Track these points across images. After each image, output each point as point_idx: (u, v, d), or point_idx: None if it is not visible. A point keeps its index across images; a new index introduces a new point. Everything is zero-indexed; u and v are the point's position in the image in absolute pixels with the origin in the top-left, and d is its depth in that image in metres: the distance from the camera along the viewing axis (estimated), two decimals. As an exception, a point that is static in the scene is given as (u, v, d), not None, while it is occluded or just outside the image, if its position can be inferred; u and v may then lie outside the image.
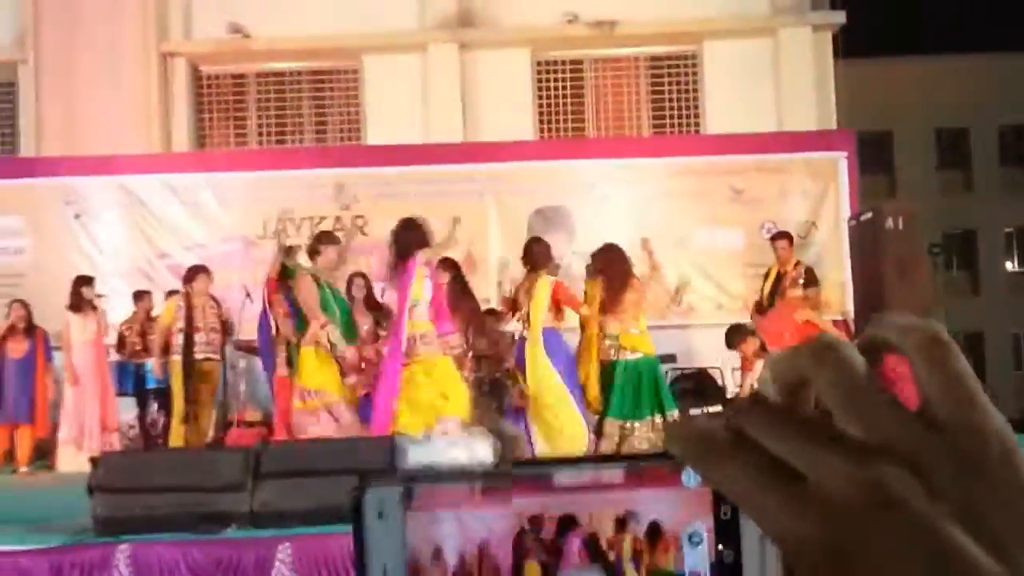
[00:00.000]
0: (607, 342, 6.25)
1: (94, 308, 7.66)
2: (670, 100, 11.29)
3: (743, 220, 9.48)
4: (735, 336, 7.24)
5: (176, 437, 7.02)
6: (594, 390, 6.16)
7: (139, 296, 8.40)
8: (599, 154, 9.95)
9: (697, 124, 11.16)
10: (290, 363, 6.18)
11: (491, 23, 11.01)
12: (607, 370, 6.19)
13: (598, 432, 6.09)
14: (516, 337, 6.32)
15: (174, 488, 4.45)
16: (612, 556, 0.32)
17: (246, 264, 8.78)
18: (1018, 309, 22.65)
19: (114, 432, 7.69)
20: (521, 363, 6.16)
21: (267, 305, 6.46)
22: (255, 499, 4.50)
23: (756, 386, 0.30)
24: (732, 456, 0.28)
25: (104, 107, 10.26)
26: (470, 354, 6.32)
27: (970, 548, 0.25)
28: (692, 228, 9.33)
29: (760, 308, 7.39)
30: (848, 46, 11.32)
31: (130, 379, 8.15)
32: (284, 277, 6.34)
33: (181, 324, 7.05)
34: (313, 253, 6.13)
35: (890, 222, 7.98)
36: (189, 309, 7.07)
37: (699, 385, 7.78)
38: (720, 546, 0.32)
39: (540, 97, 11.25)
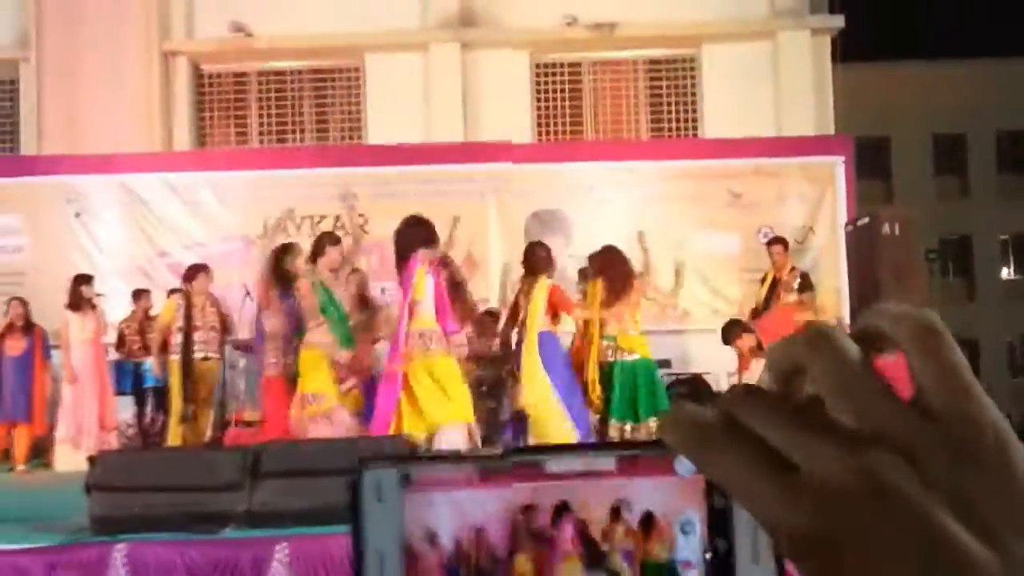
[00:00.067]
0: (604, 342, 6.27)
1: (93, 307, 7.64)
2: (668, 103, 11.30)
3: (740, 224, 9.48)
4: (732, 331, 7.23)
5: (174, 436, 7.01)
6: (596, 390, 6.18)
7: (138, 295, 8.39)
8: (596, 157, 9.94)
9: (695, 127, 11.17)
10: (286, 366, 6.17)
11: (492, 23, 11.02)
12: (605, 371, 6.21)
13: (601, 434, 6.09)
14: (515, 339, 6.32)
15: (172, 487, 4.45)
16: (605, 545, 0.32)
17: (246, 263, 8.77)
18: (1014, 316, 22.67)
19: (112, 431, 7.68)
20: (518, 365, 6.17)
21: (260, 305, 6.44)
22: (253, 499, 4.50)
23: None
24: (725, 445, 0.28)
25: (106, 105, 10.25)
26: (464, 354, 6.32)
27: (962, 536, 0.25)
28: (689, 232, 9.33)
29: (756, 313, 7.41)
30: (846, 51, 11.34)
31: (128, 378, 8.14)
32: (280, 277, 6.33)
33: (180, 323, 7.04)
34: (316, 253, 6.10)
35: (887, 227, 8.00)
36: (189, 308, 7.06)
37: (694, 390, 7.78)
38: (713, 535, 0.32)
39: (539, 99, 11.26)
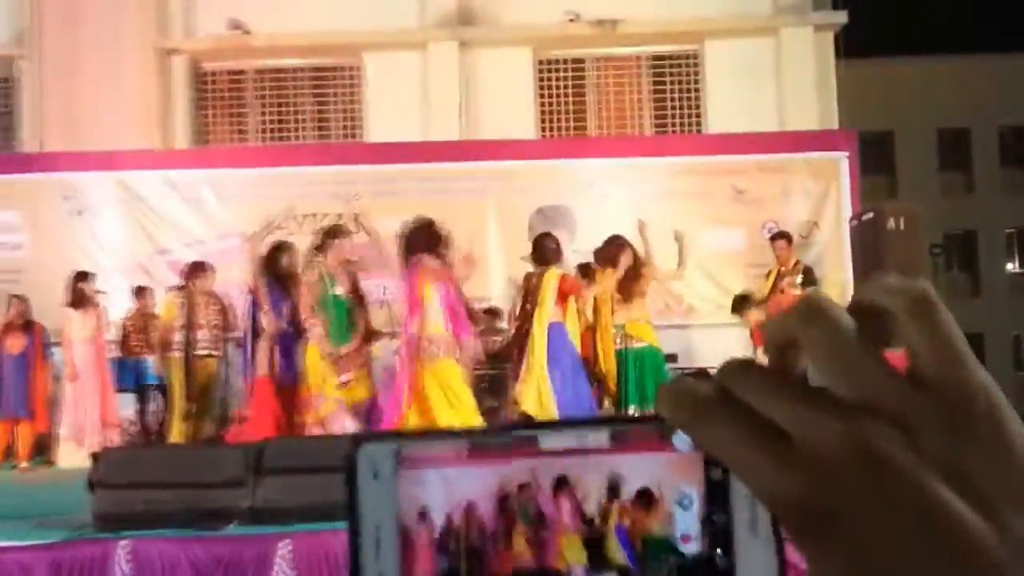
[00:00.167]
0: (613, 331, 6.31)
1: (94, 304, 7.66)
2: (671, 99, 11.29)
3: (744, 220, 9.48)
4: (743, 305, 7.25)
5: (176, 433, 7.02)
6: (612, 378, 6.22)
7: (139, 292, 8.40)
8: (600, 153, 9.94)
9: (698, 124, 11.16)
10: (280, 366, 6.14)
11: (492, 21, 11.02)
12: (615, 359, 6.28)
13: None
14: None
15: (175, 484, 4.45)
16: (601, 522, 0.32)
17: (246, 260, 8.78)
18: (1018, 310, 22.64)
19: (114, 428, 7.69)
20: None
21: (252, 304, 6.42)
22: (256, 496, 4.50)
23: None
24: (720, 417, 0.28)
25: (105, 103, 10.27)
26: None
27: (956, 505, 0.25)
28: (693, 228, 9.32)
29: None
30: (849, 46, 11.32)
31: (130, 375, 8.16)
32: (274, 276, 6.31)
33: (182, 320, 7.05)
34: (322, 247, 6.06)
35: (891, 222, 7.99)
36: (190, 305, 7.07)
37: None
38: (711, 509, 0.32)
39: (541, 96, 11.25)
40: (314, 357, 5.85)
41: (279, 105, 11.35)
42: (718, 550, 0.32)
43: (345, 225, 6.88)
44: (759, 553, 0.31)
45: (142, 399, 8.14)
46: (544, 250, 6.19)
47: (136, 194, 9.52)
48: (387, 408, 5.55)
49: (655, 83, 11.31)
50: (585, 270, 6.80)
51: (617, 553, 0.31)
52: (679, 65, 11.27)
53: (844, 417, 0.27)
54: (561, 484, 0.32)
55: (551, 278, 6.02)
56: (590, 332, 6.46)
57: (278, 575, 3.99)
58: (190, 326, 7.02)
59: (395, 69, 10.87)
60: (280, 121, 11.37)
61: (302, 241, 7.88)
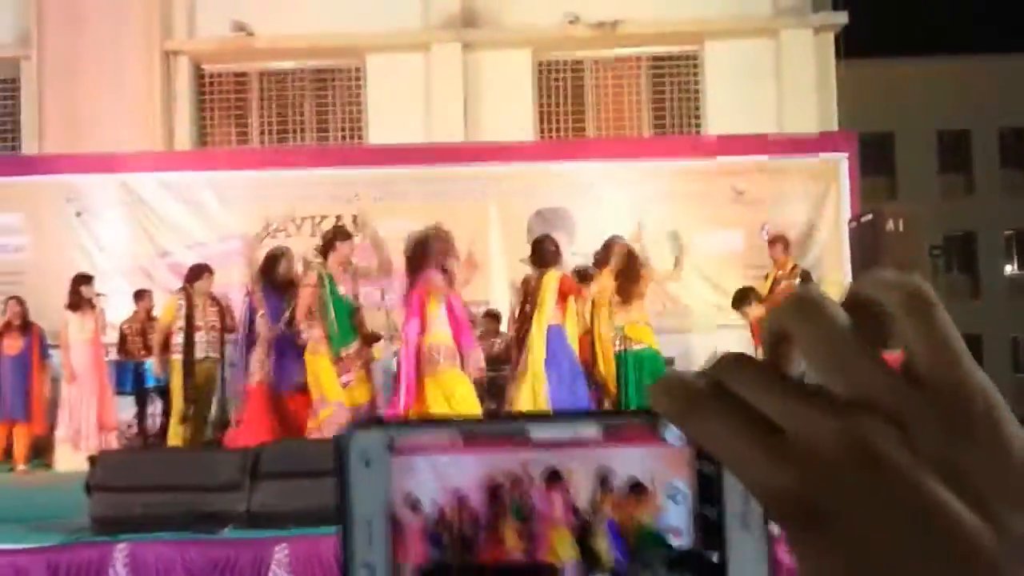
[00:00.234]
0: (612, 333, 6.31)
1: (93, 307, 7.65)
2: (671, 101, 11.29)
3: (744, 221, 9.47)
4: (744, 300, 7.22)
5: (175, 436, 7.01)
6: (613, 380, 6.22)
7: (140, 295, 8.40)
8: (599, 155, 9.94)
9: (698, 125, 11.16)
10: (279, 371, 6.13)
11: (494, 23, 11.02)
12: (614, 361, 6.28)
13: None
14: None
15: (172, 488, 4.44)
16: (593, 515, 0.31)
17: (244, 266, 8.78)
18: (1018, 312, 22.65)
19: (111, 431, 7.69)
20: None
21: (249, 309, 6.41)
22: (252, 499, 4.49)
23: None
24: (714, 411, 0.27)
25: (107, 105, 10.28)
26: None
27: (953, 504, 0.25)
28: (692, 229, 9.33)
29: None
30: (849, 47, 11.32)
31: (130, 378, 8.15)
32: (270, 282, 6.29)
33: (182, 323, 7.04)
34: (326, 249, 6.04)
35: (891, 224, 7.99)
36: (190, 308, 7.06)
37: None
38: (702, 503, 0.32)
39: (541, 97, 11.26)
40: (314, 360, 5.83)
41: (281, 107, 11.36)
42: (709, 545, 0.31)
43: (346, 228, 6.87)
44: (750, 548, 0.31)
45: (141, 402, 8.13)
46: (543, 252, 6.18)
47: (137, 196, 9.52)
48: (386, 415, 5.54)
49: (655, 84, 11.31)
50: (583, 274, 6.79)
51: (606, 549, 0.31)
52: (679, 66, 11.28)
53: (840, 414, 0.26)
54: (553, 477, 0.32)
55: (551, 279, 6.02)
56: (588, 335, 6.45)
57: (275, 578, 3.97)
58: (190, 328, 7.01)
59: (397, 71, 10.88)
60: (282, 123, 11.38)
61: (301, 243, 7.86)
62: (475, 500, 0.32)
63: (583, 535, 0.32)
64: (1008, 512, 0.25)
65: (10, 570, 4.06)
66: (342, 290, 5.96)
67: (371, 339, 6.35)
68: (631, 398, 6.22)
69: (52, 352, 7.84)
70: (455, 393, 5.42)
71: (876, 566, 0.25)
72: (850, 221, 9.01)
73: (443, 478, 0.32)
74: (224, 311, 7.25)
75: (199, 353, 7.06)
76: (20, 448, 7.57)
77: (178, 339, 7.05)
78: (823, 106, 10.81)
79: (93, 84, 10.33)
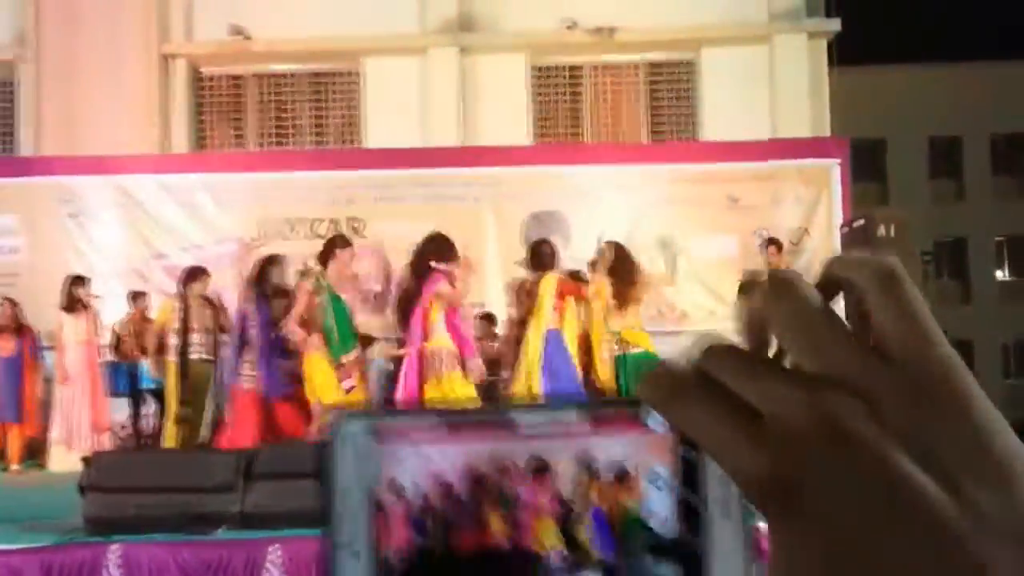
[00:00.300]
0: (609, 337, 6.31)
1: (87, 308, 7.64)
2: (668, 107, 11.33)
3: (737, 226, 9.50)
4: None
5: (170, 437, 6.99)
6: (611, 384, 6.20)
7: (135, 297, 8.38)
8: (595, 160, 9.96)
9: (693, 131, 11.20)
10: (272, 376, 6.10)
11: (491, 28, 11.04)
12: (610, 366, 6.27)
13: None
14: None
15: (165, 488, 4.43)
16: (577, 503, 0.32)
17: (243, 266, 8.77)
18: (1008, 318, 22.73)
19: (105, 432, 7.67)
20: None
21: (242, 316, 6.39)
22: (246, 500, 4.48)
23: None
24: (695, 398, 0.28)
25: (104, 107, 10.25)
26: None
27: (919, 477, 0.25)
28: (687, 235, 9.36)
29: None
30: (843, 54, 11.38)
31: (124, 379, 8.13)
32: (263, 289, 6.28)
33: (177, 324, 7.03)
34: (326, 256, 6.03)
35: (882, 229, 8.04)
36: (186, 309, 7.05)
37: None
38: (684, 488, 0.32)
39: (538, 102, 11.27)
40: (312, 366, 5.82)
41: (278, 110, 11.34)
42: (691, 530, 0.32)
43: (345, 235, 6.85)
44: (731, 533, 0.32)
45: (135, 403, 8.11)
46: (541, 256, 6.19)
47: (133, 198, 9.50)
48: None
49: (651, 90, 11.34)
50: (577, 277, 6.80)
51: (590, 538, 0.31)
52: (675, 72, 11.32)
53: (810, 391, 0.27)
54: (538, 466, 0.32)
55: (549, 283, 6.02)
56: (586, 338, 6.45)
57: (269, 579, 3.98)
58: (185, 330, 7.00)
59: (394, 75, 10.87)
60: (279, 126, 11.36)
61: (297, 246, 7.86)
62: (459, 487, 0.32)
63: (567, 523, 0.33)
64: (973, 485, 0.25)
65: (4, 570, 4.05)
66: (341, 297, 5.96)
67: (366, 342, 6.35)
68: None
69: (46, 353, 7.82)
70: (455, 395, 5.42)
71: (843, 540, 0.25)
72: (842, 226, 9.06)
73: (428, 465, 0.32)
74: (218, 312, 7.24)
75: (194, 355, 7.05)
76: (13, 449, 7.55)
77: (173, 341, 7.04)
78: (816, 112, 10.85)
79: (90, 86, 10.30)
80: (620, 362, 6.29)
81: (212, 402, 7.34)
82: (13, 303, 7.75)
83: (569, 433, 0.33)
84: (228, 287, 7.90)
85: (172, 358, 7.02)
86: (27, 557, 4.06)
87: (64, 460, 7.02)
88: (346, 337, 5.88)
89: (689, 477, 0.32)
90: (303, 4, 10.83)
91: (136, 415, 8.08)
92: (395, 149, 9.95)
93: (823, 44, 11.10)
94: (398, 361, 6.00)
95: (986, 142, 23.46)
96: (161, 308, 7.43)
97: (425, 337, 5.42)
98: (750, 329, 0.29)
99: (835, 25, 11.06)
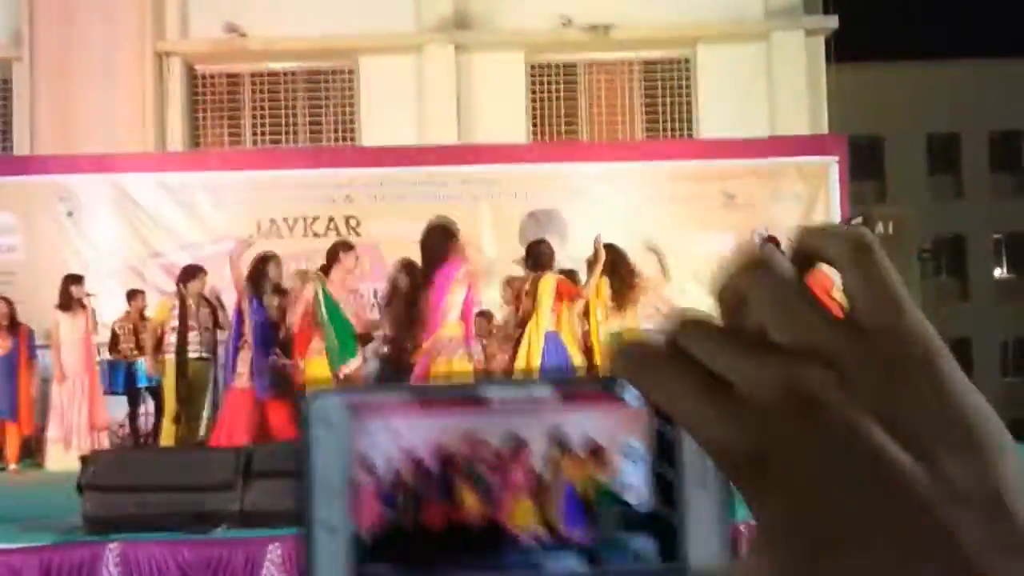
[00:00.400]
0: (607, 338, 6.30)
1: (83, 307, 7.64)
2: (664, 104, 11.33)
3: (735, 224, 9.51)
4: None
5: (168, 436, 7.00)
6: None
7: (132, 295, 8.38)
8: (591, 158, 9.97)
9: (690, 128, 11.21)
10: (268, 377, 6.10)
11: (486, 25, 11.04)
12: None
13: None
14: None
15: (164, 487, 4.43)
16: (550, 477, 0.32)
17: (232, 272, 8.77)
18: (1006, 315, 22.76)
19: (102, 431, 7.67)
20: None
21: (237, 313, 6.40)
22: (245, 499, 4.48)
23: None
24: (667, 369, 0.28)
25: (99, 105, 10.25)
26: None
27: (889, 447, 0.25)
28: (684, 232, 9.36)
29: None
30: (840, 51, 11.38)
31: (121, 378, 8.13)
32: (258, 287, 6.28)
33: (175, 323, 7.04)
34: (331, 260, 6.01)
35: (880, 227, 8.06)
36: (183, 308, 7.06)
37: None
38: (659, 463, 0.32)
39: (534, 100, 11.28)
40: (312, 369, 5.82)
41: (274, 108, 11.34)
42: (667, 504, 0.32)
43: (349, 240, 6.84)
44: (707, 507, 0.32)
45: (133, 401, 8.12)
46: (539, 255, 6.19)
47: (130, 197, 9.50)
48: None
49: (647, 88, 11.35)
50: (571, 277, 6.80)
51: (562, 514, 0.32)
52: (671, 70, 11.32)
53: (781, 363, 0.27)
54: (512, 441, 0.32)
55: (548, 283, 6.02)
56: (584, 340, 6.45)
57: (267, 577, 3.98)
58: (183, 328, 7.01)
59: (390, 73, 10.88)
60: (275, 124, 11.36)
61: (293, 245, 7.86)
62: (431, 463, 0.32)
63: (541, 499, 0.33)
64: (944, 454, 0.25)
65: (3, 569, 4.05)
66: (342, 305, 5.94)
67: (364, 340, 6.35)
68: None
69: (42, 352, 7.82)
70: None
71: (814, 511, 0.25)
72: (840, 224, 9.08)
73: (402, 441, 0.32)
74: (216, 310, 7.25)
75: (192, 353, 7.06)
76: (10, 448, 7.55)
77: (171, 339, 7.05)
78: (814, 109, 10.87)
79: (85, 84, 10.30)
80: None
81: (210, 400, 7.36)
82: (8, 301, 7.75)
83: (543, 408, 0.33)
84: (226, 286, 7.91)
85: (170, 356, 7.02)
86: (26, 556, 4.06)
87: (61, 459, 7.02)
88: (346, 347, 5.89)
89: (665, 450, 0.32)
90: (299, 2, 10.83)
91: (133, 414, 8.09)
92: (391, 147, 9.96)
93: (820, 41, 11.11)
94: (388, 359, 6.00)
95: (984, 139, 23.49)
96: (158, 306, 7.44)
97: (441, 324, 5.42)
98: (723, 302, 0.29)
99: (833, 22, 11.07)
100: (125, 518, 4.27)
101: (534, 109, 11.27)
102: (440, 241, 5.53)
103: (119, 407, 8.12)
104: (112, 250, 9.43)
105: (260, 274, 6.34)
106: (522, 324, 6.09)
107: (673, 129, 11.28)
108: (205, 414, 7.34)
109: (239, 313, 6.39)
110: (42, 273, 8.66)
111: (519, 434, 0.32)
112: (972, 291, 23.58)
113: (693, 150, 10.20)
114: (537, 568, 0.32)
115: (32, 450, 7.73)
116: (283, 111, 11.35)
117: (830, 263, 0.28)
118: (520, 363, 5.97)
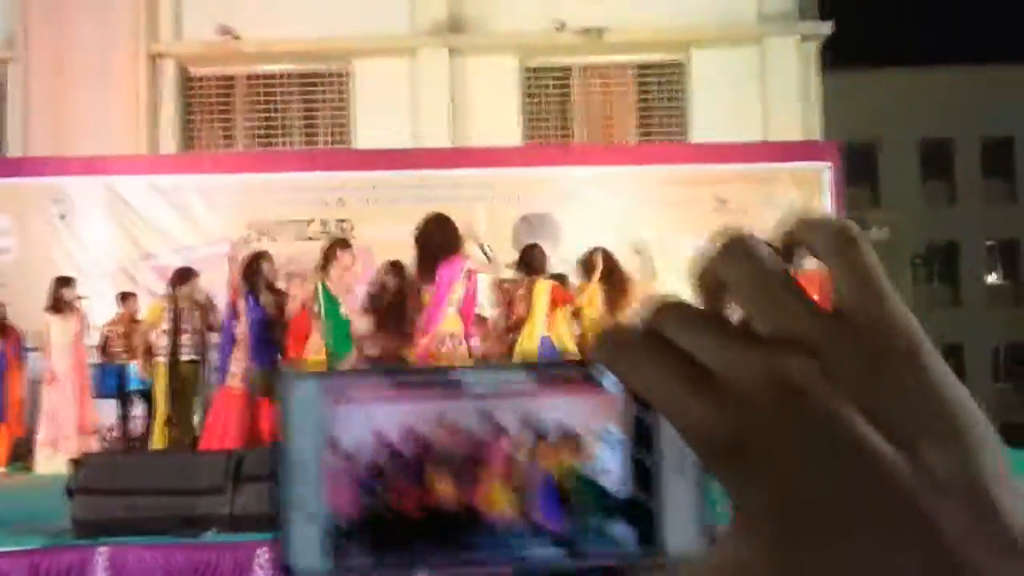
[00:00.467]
0: None
1: (74, 309, 7.61)
2: (657, 108, 11.36)
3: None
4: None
5: (159, 439, 6.97)
6: None
7: (124, 298, 8.35)
8: (585, 161, 9.99)
9: (683, 132, 11.23)
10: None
11: (480, 29, 11.06)
12: None
13: None
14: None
15: (154, 491, 4.41)
16: (528, 463, 0.32)
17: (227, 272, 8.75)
18: (999, 321, 22.87)
19: (92, 434, 7.63)
20: None
21: (233, 313, 6.38)
22: (235, 503, 4.46)
23: None
24: (645, 355, 0.27)
25: (93, 107, 10.23)
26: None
27: (871, 436, 0.25)
28: (676, 236, 9.38)
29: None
30: (834, 57, 11.44)
31: (112, 380, 8.10)
32: (251, 285, 6.26)
33: (166, 325, 7.01)
34: (327, 259, 6.01)
35: (874, 232, 8.09)
36: (175, 310, 7.03)
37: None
38: (638, 450, 0.32)
39: (527, 104, 11.30)
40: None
41: (267, 111, 11.33)
42: (644, 490, 0.32)
43: (346, 238, 6.83)
44: (685, 493, 0.32)
45: (124, 405, 8.08)
46: (533, 260, 6.20)
47: (122, 199, 9.48)
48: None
49: (640, 92, 11.38)
50: (563, 282, 6.81)
51: (539, 500, 0.31)
52: (665, 74, 11.35)
53: (764, 352, 0.26)
54: (489, 427, 0.32)
55: (543, 289, 6.02)
56: (578, 345, 6.45)
57: (257, 581, 3.96)
58: (175, 332, 6.98)
59: (384, 76, 10.88)
60: (268, 127, 11.35)
61: (287, 247, 7.84)
62: (407, 449, 0.32)
63: (517, 485, 0.32)
64: (926, 444, 0.25)
65: (-11, 573, 4.03)
66: (340, 304, 5.93)
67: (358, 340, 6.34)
68: None
69: (32, 354, 7.78)
70: None
71: (796, 500, 0.25)
72: (833, 229, 9.10)
73: (379, 426, 0.32)
74: (207, 313, 7.22)
75: (184, 356, 7.03)
76: (0, 451, 7.51)
77: (162, 342, 7.02)
78: (807, 115, 10.90)
79: (79, 86, 10.28)
80: None
81: (200, 403, 7.33)
82: (-2, 304, 7.72)
83: (520, 394, 0.32)
84: (218, 289, 7.88)
85: (161, 359, 7.00)
86: (14, 560, 4.03)
87: (51, 462, 6.98)
88: (342, 345, 5.88)
89: (643, 436, 0.32)
90: (292, 4, 10.83)
91: (124, 417, 8.05)
92: (385, 150, 9.96)
93: (814, 47, 11.15)
94: (378, 361, 5.99)
95: (977, 145, 23.62)
96: (150, 309, 7.41)
97: (442, 320, 5.41)
98: (703, 286, 0.29)
99: (826, 28, 11.12)
100: (115, 522, 4.25)
101: (527, 112, 11.28)
102: (441, 233, 5.50)
103: (110, 410, 8.08)
104: (104, 252, 9.40)
105: (255, 272, 6.33)
106: (515, 328, 6.08)
107: (666, 133, 11.31)
108: (196, 418, 7.31)
109: (233, 312, 6.37)
110: (35, 275, 8.62)
111: (496, 420, 0.32)
112: (964, 297, 23.68)
113: (686, 154, 10.22)
114: (514, 554, 0.32)
115: (21, 453, 7.68)
116: (276, 113, 11.34)
117: (815, 254, 0.28)
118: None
